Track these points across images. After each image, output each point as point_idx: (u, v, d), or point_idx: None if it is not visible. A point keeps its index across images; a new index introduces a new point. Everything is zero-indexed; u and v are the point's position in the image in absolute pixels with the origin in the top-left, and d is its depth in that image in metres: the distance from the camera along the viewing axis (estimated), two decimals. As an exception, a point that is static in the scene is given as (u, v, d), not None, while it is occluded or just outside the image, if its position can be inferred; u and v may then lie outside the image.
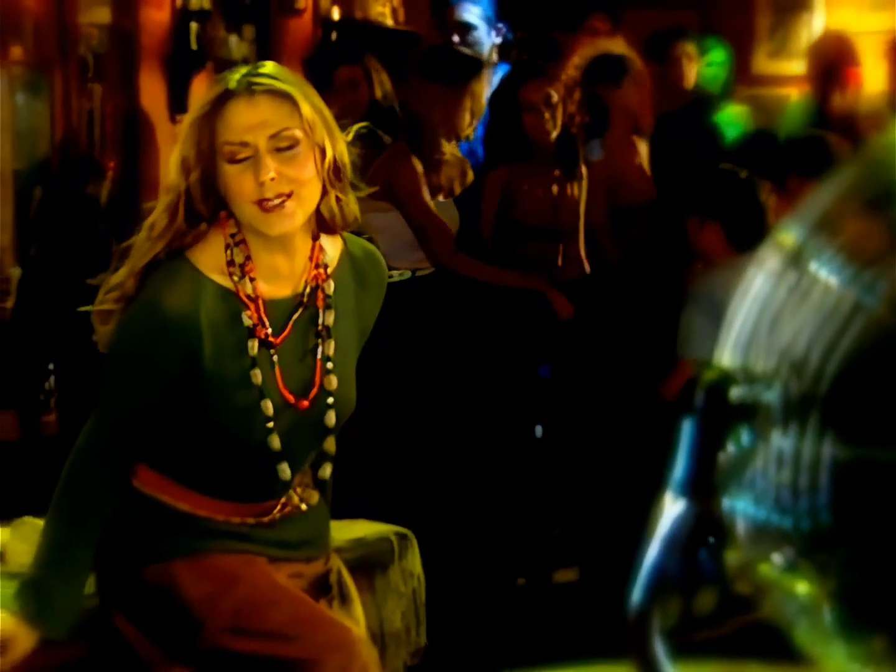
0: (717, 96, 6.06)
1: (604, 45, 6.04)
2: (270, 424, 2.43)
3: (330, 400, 2.48)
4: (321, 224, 2.49)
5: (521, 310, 5.12)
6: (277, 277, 2.47)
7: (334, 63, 5.96)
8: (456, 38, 5.82)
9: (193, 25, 6.30)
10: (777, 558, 1.17)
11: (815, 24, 7.14)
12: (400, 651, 3.21)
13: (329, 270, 2.50)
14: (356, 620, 2.59)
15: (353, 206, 2.49)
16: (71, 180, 5.65)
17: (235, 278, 2.43)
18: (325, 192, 2.44)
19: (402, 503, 4.36)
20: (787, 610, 1.18)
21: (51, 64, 5.81)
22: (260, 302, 2.44)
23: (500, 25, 6.30)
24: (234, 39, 6.54)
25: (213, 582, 2.46)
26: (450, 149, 4.95)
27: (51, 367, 4.99)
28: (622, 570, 1.35)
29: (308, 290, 2.48)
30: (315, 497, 2.59)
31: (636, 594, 1.21)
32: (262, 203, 2.37)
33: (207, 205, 2.42)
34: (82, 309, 2.50)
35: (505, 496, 5.08)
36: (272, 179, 2.35)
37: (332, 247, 2.53)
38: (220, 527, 2.50)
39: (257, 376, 2.42)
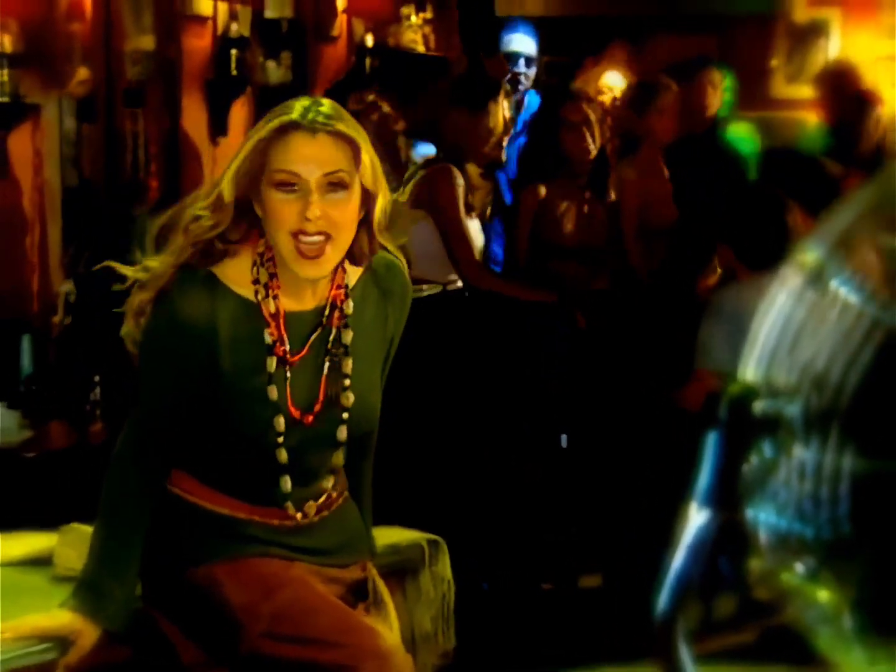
0: (725, 118, 6.08)
1: (604, 72, 6.08)
2: (280, 439, 2.43)
3: (345, 416, 2.47)
4: (349, 256, 2.47)
5: (547, 323, 5.13)
6: (301, 294, 2.46)
7: (368, 88, 5.98)
8: (515, 69, 5.80)
9: (233, 52, 6.34)
10: (799, 567, 1.17)
11: (832, 50, 7.12)
12: (429, 653, 3.20)
13: (350, 287, 2.50)
14: (391, 626, 2.59)
15: (380, 247, 2.48)
16: (117, 200, 5.68)
17: (260, 296, 2.43)
18: (358, 231, 2.43)
19: (433, 511, 4.36)
20: (808, 617, 1.18)
21: (98, 89, 5.85)
22: (281, 319, 2.44)
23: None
24: (272, 65, 6.56)
25: (254, 587, 2.46)
26: (475, 171, 4.94)
27: (97, 378, 5.01)
28: (645, 576, 1.34)
29: (328, 310, 2.47)
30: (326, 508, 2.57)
31: (662, 601, 1.21)
32: (299, 235, 2.35)
33: (239, 228, 2.42)
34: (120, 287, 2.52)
35: (532, 504, 5.07)
36: (317, 218, 2.34)
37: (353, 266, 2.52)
38: (259, 532, 2.50)
39: (273, 393, 2.42)
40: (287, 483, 2.46)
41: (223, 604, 2.45)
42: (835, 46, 7.16)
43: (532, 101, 5.76)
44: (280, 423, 2.42)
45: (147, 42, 6.13)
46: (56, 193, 5.77)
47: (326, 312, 2.47)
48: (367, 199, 2.41)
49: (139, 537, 2.47)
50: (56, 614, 2.47)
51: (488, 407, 4.94)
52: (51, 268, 5.71)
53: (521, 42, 5.78)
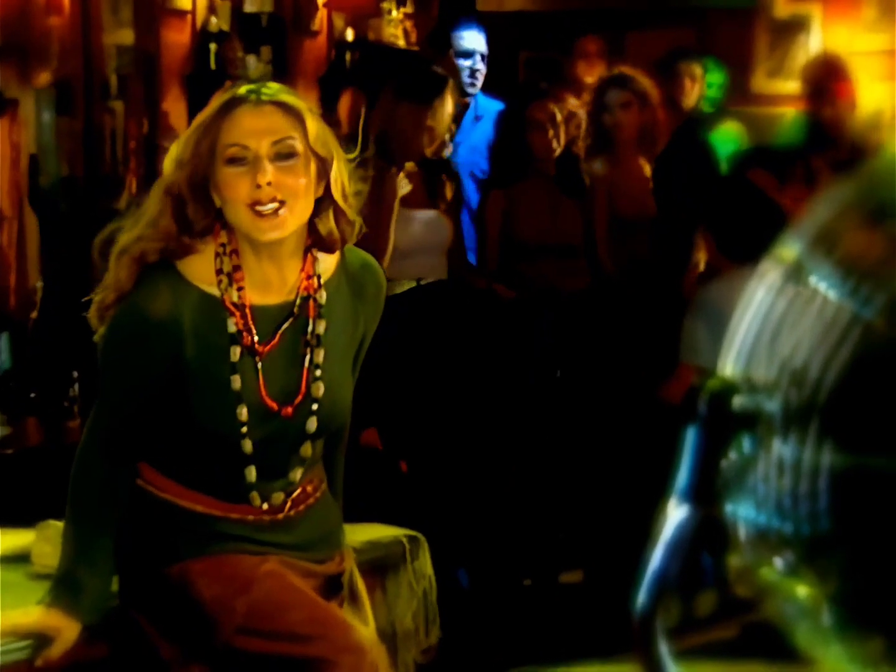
0: (712, 115, 6.07)
1: (604, 70, 6.05)
2: (244, 430, 2.42)
3: (314, 406, 2.47)
4: (318, 241, 2.47)
5: (525, 320, 5.13)
6: (267, 286, 2.46)
7: (347, 83, 5.97)
8: (465, 66, 5.78)
9: (212, 46, 6.32)
10: (778, 562, 1.17)
11: (812, 45, 7.13)
12: (411, 650, 3.20)
13: (322, 280, 2.49)
14: (366, 621, 2.59)
15: (349, 224, 2.47)
16: (94, 195, 5.65)
17: (223, 286, 2.42)
18: (321, 209, 2.44)
19: (413, 508, 4.36)
20: (787, 612, 1.18)
21: (76, 84, 5.83)
22: (247, 310, 2.44)
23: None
24: (251, 59, 6.55)
25: (228, 583, 2.46)
26: (411, 167, 4.83)
27: (75, 374, 4.99)
28: (625, 572, 1.34)
29: (299, 300, 2.47)
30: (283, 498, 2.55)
31: (640, 597, 1.21)
32: (255, 206, 2.37)
33: (195, 211, 2.41)
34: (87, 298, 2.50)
35: (513, 500, 5.07)
36: (268, 184, 2.36)
37: (327, 257, 2.51)
38: (235, 529, 2.50)
39: (236, 382, 2.42)
40: (252, 473, 2.46)
41: (197, 600, 2.45)
42: (815, 41, 7.16)
43: (481, 100, 5.74)
44: (243, 412, 2.42)
45: (126, 36, 6.11)
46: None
47: (298, 303, 2.46)
48: (323, 167, 2.42)
49: (109, 530, 2.47)
50: (34, 611, 2.47)
51: (467, 403, 4.93)
52: (28, 263, 5.68)
53: (476, 40, 5.79)
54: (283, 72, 6.58)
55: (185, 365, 2.41)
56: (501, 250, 5.23)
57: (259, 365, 2.44)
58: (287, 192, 2.37)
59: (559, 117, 5.24)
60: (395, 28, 7.01)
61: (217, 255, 2.44)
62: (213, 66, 6.32)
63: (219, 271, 2.43)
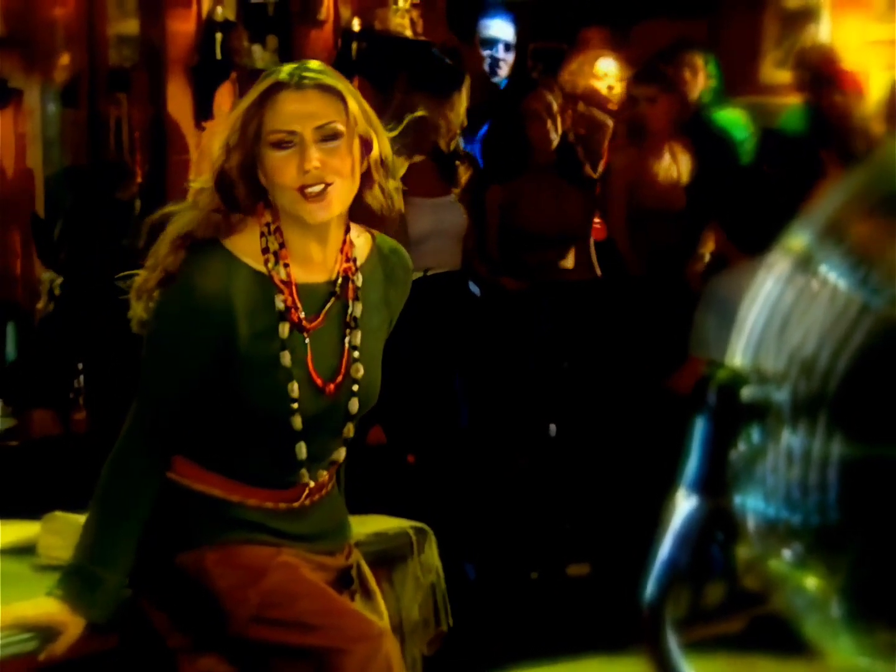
0: (709, 104, 6.06)
1: (597, 58, 6.07)
2: (295, 405, 2.45)
3: (355, 387, 2.52)
4: (368, 215, 2.53)
5: (533, 310, 5.13)
6: (311, 264, 2.50)
7: (354, 72, 5.97)
8: (486, 54, 5.77)
9: (218, 36, 6.31)
10: (787, 554, 1.17)
11: (822, 34, 7.11)
12: (417, 642, 3.21)
13: (358, 264, 2.54)
14: (379, 613, 2.60)
15: (397, 197, 2.53)
16: (101, 185, 5.66)
17: (270, 264, 2.46)
18: (370, 184, 2.49)
19: (420, 500, 4.36)
20: (796, 604, 1.18)
21: (81, 74, 5.83)
22: (293, 287, 2.48)
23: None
24: (257, 49, 6.55)
25: (241, 573, 2.46)
26: (419, 158, 4.83)
27: (80, 366, 5.00)
28: (632, 565, 1.34)
29: (339, 280, 2.52)
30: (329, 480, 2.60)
31: (649, 589, 1.21)
32: (303, 189, 2.41)
33: (244, 192, 2.45)
34: (122, 275, 2.50)
35: (520, 493, 5.08)
36: (315, 168, 2.40)
37: (361, 242, 2.57)
38: (251, 516, 2.50)
39: (286, 358, 2.45)
40: (302, 450, 2.49)
41: (211, 589, 2.45)
42: (825, 31, 7.14)
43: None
44: (294, 389, 2.45)
45: (131, 26, 6.11)
46: (39, 178, 5.76)
47: (339, 282, 2.51)
48: (366, 146, 2.47)
49: (137, 528, 2.46)
50: (42, 603, 2.47)
51: (475, 395, 4.94)
52: (34, 254, 5.69)
53: (500, 28, 5.76)
54: (288, 61, 6.58)
55: (235, 343, 2.43)
56: (503, 243, 5.23)
57: (307, 341, 2.48)
58: (333, 173, 2.42)
59: (555, 106, 5.25)
60: (402, 18, 7.01)
61: (262, 234, 2.48)
62: (218, 55, 6.32)
63: (265, 250, 2.47)
